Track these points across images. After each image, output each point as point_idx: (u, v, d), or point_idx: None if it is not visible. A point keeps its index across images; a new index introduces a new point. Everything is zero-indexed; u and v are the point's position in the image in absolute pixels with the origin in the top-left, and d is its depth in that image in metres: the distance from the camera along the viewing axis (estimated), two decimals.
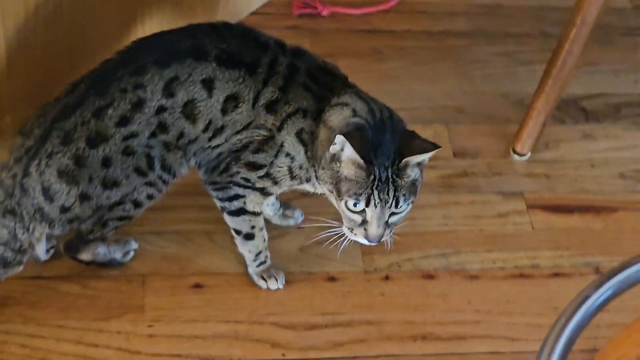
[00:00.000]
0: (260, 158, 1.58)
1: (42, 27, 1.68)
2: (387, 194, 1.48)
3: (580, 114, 2.11)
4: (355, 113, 1.51)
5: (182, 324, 1.70)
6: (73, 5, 1.69)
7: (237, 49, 1.55)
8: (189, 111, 1.54)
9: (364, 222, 1.50)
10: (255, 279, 1.75)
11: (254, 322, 1.72)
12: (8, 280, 1.68)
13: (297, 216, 1.83)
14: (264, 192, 1.63)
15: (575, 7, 1.83)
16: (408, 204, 1.51)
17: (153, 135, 1.54)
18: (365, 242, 1.53)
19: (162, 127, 1.54)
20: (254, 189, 1.62)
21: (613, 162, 2.03)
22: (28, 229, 1.57)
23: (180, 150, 1.58)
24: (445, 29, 2.22)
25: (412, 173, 1.50)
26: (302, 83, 1.56)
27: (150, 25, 1.86)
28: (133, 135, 1.52)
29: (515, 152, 2.01)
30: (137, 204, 1.60)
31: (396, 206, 1.49)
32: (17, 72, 1.69)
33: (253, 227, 1.68)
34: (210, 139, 1.58)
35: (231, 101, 1.55)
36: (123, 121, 1.52)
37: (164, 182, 1.60)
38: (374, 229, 1.50)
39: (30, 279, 1.71)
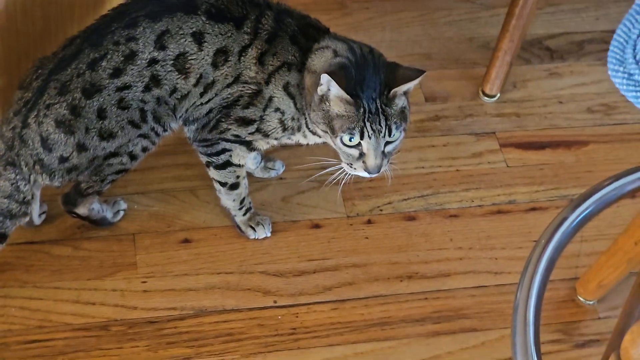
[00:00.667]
0: (249, 113, 1.62)
1: None
2: (380, 124, 1.52)
3: (545, 53, 2.17)
4: (336, 53, 1.56)
5: (175, 278, 1.75)
6: None
7: (225, 3, 1.59)
8: (181, 65, 1.58)
9: (362, 155, 1.55)
10: (243, 228, 1.79)
11: (244, 272, 1.77)
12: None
13: (279, 167, 1.88)
14: (251, 147, 1.67)
15: None
16: (401, 131, 1.56)
17: (147, 89, 1.57)
18: (365, 174, 1.57)
19: (155, 81, 1.57)
20: (242, 142, 1.66)
21: (580, 98, 2.09)
22: (29, 180, 1.60)
23: (171, 106, 1.61)
24: None
25: (400, 102, 1.54)
26: (288, 36, 1.60)
27: None
28: (126, 86, 1.56)
29: (484, 93, 2.07)
30: (132, 156, 1.64)
31: (389, 134, 1.54)
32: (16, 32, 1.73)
33: (238, 177, 1.73)
34: (201, 95, 1.61)
35: (221, 55, 1.59)
36: (116, 72, 1.55)
37: (157, 134, 1.64)
38: (372, 160, 1.55)
39: (23, 244, 1.75)
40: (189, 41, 1.57)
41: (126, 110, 1.58)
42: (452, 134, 2.01)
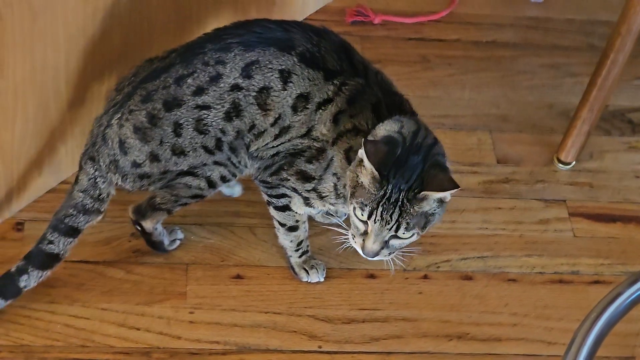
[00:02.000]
0: (311, 169, 1.61)
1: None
2: (391, 216, 1.47)
3: (626, 126, 2.12)
4: (401, 128, 1.51)
5: (222, 312, 1.74)
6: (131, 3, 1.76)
7: (323, 54, 1.58)
8: (263, 99, 1.57)
9: (365, 234, 1.51)
10: (297, 270, 1.78)
11: (292, 314, 1.75)
12: None
13: (341, 214, 1.86)
14: (308, 203, 1.66)
15: (621, 17, 1.84)
16: (412, 234, 1.50)
17: (228, 116, 1.58)
18: (360, 252, 1.53)
19: (236, 109, 1.58)
20: (300, 195, 1.65)
21: None
22: (106, 179, 1.63)
23: (247, 142, 1.62)
24: (494, 40, 2.24)
25: (428, 206, 1.48)
26: (370, 104, 1.57)
27: (205, 24, 1.91)
28: (206, 106, 1.57)
29: (559, 160, 2.03)
30: (210, 183, 1.65)
31: (396, 230, 1.48)
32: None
33: (297, 221, 1.72)
34: (275, 137, 1.61)
35: (302, 100, 1.58)
36: (199, 91, 1.57)
37: (235, 166, 1.64)
38: (370, 243, 1.50)
39: (77, 262, 1.76)
40: (276, 77, 1.57)
41: (202, 135, 1.59)
42: (520, 198, 1.98)
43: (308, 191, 1.63)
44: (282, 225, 1.73)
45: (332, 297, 1.79)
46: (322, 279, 1.79)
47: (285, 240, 1.76)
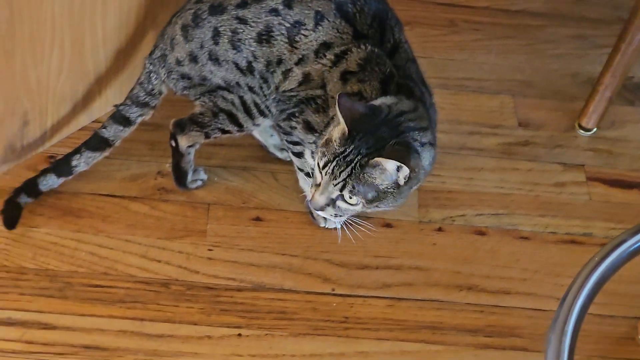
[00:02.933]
0: (316, 121, 1.65)
1: None
2: (340, 173, 1.49)
3: None
4: (394, 104, 1.53)
5: (240, 251, 1.80)
6: None
7: (359, 11, 1.61)
8: (294, 34, 1.61)
9: (318, 185, 1.54)
10: (316, 215, 1.83)
11: (308, 257, 1.81)
12: (83, 194, 1.82)
13: None
14: (313, 156, 1.69)
15: None
16: (357, 202, 1.51)
17: (259, 38, 1.62)
18: (309, 203, 1.57)
19: (268, 33, 1.62)
20: (305, 146, 1.70)
21: None
22: (157, 74, 1.72)
23: (276, 81, 1.66)
24: (523, 9, 2.28)
25: (380, 180, 1.49)
26: (381, 76, 1.59)
27: None
28: (243, 20, 1.62)
29: (580, 126, 2.06)
30: (245, 105, 1.69)
31: (341, 189, 1.50)
32: None
33: (313, 169, 1.77)
34: (300, 83, 1.64)
35: (323, 48, 1.62)
36: (242, 4, 1.62)
37: (266, 97, 1.68)
38: (317, 194, 1.53)
39: (104, 195, 1.83)
40: (311, 16, 1.60)
41: (235, 51, 1.64)
42: (538, 160, 2.01)
43: (310, 144, 1.68)
44: (300, 170, 1.78)
45: (348, 243, 1.83)
46: (339, 226, 1.84)
47: (304, 184, 1.81)
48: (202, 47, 1.65)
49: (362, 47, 1.60)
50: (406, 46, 1.66)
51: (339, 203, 1.53)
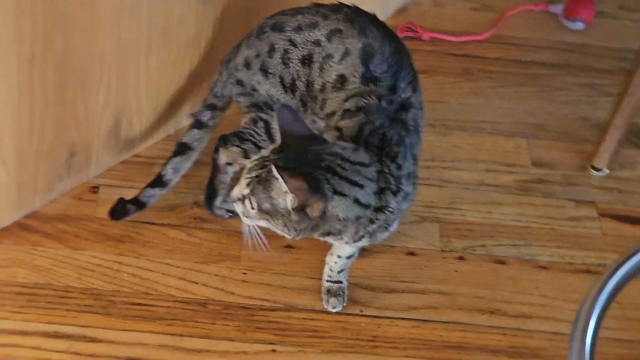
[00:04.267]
0: None
1: None
2: (253, 171, 1.56)
3: None
4: (349, 146, 1.58)
5: (273, 275, 1.90)
6: None
7: (379, 56, 1.70)
8: (324, 64, 1.72)
9: None
10: None
11: None
12: (125, 222, 1.91)
13: None
14: None
15: None
16: (253, 208, 1.55)
17: (302, 62, 1.74)
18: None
19: (309, 59, 1.73)
20: None
21: None
22: (222, 76, 1.86)
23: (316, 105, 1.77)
24: (533, 59, 2.41)
25: (277, 196, 1.52)
26: (365, 122, 1.64)
27: None
28: (294, 43, 1.74)
29: (592, 167, 2.18)
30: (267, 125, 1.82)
31: (246, 186, 1.55)
32: None
33: None
34: (321, 107, 1.75)
35: (340, 80, 1.71)
36: (297, 29, 1.74)
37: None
38: (236, 189, 1.59)
39: (145, 223, 1.93)
40: (340, 52, 1.71)
41: (284, 66, 1.75)
42: (553, 197, 2.12)
43: None
44: None
45: (375, 269, 1.94)
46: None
47: None
48: (257, 56, 1.77)
49: (369, 97, 1.67)
50: (411, 114, 1.69)
51: (246, 203, 1.57)
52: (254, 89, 1.80)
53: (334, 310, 1.85)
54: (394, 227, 1.66)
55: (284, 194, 1.51)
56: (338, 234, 1.60)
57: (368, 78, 1.68)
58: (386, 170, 1.59)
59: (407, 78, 1.71)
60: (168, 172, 1.89)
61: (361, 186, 1.56)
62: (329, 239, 1.65)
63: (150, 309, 1.81)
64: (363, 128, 1.63)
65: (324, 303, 1.86)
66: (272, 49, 1.76)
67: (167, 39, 1.90)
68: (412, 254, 1.97)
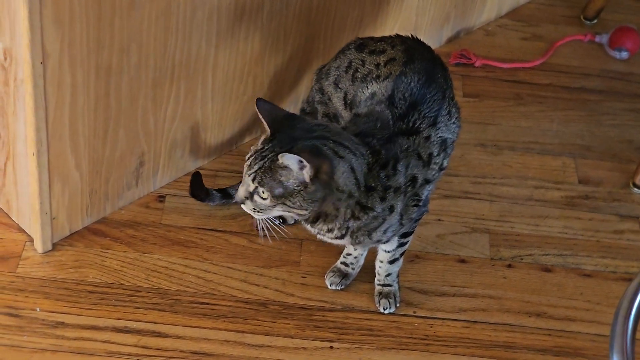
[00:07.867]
0: None
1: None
2: (254, 165, 1.63)
3: None
4: (340, 130, 1.71)
5: None
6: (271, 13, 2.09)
7: (419, 103, 1.78)
8: (369, 82, 1.83)
9: None
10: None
11: None
12: (189, 229, 2.05)
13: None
14: None
15: None
16: (267, 197, 1.63)
17: (362, 80, 1.84)
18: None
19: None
20: None
21: None
22: (313, 82, 1.99)
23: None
24: (582, 86, 2.51)
25: (286, 178, 1.61)
26: (380, 148, 1.72)
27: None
28: (363, 62, 1.85)
29: (635, 185, 2.26)
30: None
31: (252, 181, 1.63)
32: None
33: None
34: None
35: (370, 97, 1.82)
36: (372, 52, 1.85)
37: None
38: (240, 188, 1.67)
39: (208, 230, 2.06)
40: (385, 74, 1.81)
41: (351, 83, 1.85)
42: (598, 212, 2.21)
43: None
44: None
45: (427, 274, 2.03)
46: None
47: None
48: (337, 68, 1.90)
49: (384, 112, 1.77)
50: (411, 141, 1.75)
51: (255, 197, 1.65)
52: (330, 99, 1.92)
53: (385, 312, 1.95)
54: (385, 236, 1.78)
55: (299, 170, 1.59)
56: (334, 218, 1.69)
57: (390, 101, 1.78)
58: (374, 172, 1.69)
59: (426, 111, 1.78)
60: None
61: (354, 153, 1.66)
62: (324, 227, 1.74)
63: (214, 307, 1.92)
64: (363, 129, 1.74)
65: (376, 304, 1.96)
66: (349, 66, 1.88)
67: (233, 55, 2.03)
68: (462, 261, 2.07)
